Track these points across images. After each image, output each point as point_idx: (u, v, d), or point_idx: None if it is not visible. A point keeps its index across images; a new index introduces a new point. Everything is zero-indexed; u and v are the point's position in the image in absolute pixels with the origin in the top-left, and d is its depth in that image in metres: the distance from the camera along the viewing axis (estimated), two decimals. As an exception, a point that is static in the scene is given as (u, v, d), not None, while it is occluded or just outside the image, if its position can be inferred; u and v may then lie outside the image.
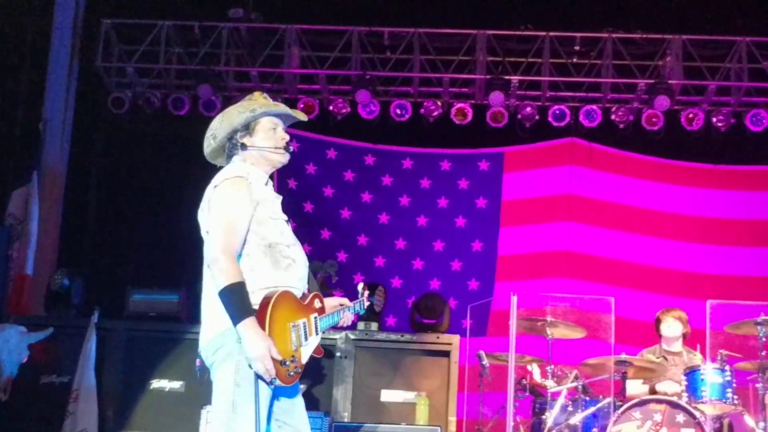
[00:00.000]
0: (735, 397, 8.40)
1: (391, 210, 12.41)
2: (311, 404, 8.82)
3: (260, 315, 4.49)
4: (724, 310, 8.63)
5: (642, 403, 8.24)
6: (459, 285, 12.14)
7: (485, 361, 8.93)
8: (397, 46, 11.90)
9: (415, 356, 9.26)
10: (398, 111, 11.86)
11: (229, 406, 4.51)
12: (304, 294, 4.81)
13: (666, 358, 9.16)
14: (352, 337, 9.16)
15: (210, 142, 4.86)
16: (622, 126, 11.95)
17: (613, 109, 11.97)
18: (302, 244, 4.96)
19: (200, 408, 8.06)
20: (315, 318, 4.77)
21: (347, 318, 5.15)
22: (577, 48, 11.94)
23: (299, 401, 4.85)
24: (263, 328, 4.44)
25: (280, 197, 4.92)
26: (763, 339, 8.27)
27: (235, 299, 4.46)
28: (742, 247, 12.23)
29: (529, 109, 11.93)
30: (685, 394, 8.39)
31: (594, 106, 11.88)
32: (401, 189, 12.44)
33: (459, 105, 11.88)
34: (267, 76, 12.02)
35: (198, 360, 4.87)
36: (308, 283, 4.91)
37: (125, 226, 12.38)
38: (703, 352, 8.77)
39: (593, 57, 11.91)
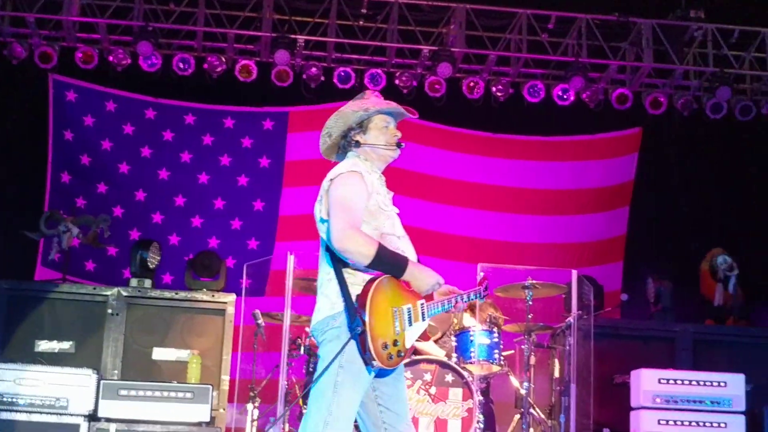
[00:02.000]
0: (502, 358, 8.67)
1: (172, 166, 12.16)
2: (80, 361, 8.60)
3: (362, 298, 4.64)
4: (494, 273, 8.85)
5: (412, 363, 8.38)
6: (238, 244, 12.05)
7: (260, 321, 8.89)
8: (182, -2, 11.65)
9: (189, 314, 9.16)
10: (181, 65, 11.58)
11: (330, 387, 4.66)
12: None
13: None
14: (124, 293, 8.96)
15: (325, 140, 5.06)
16: (405, 91, 12.07)
17: (397, 73, 12.08)
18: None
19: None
20: (422, 304, 4.85)
21: (459, 306, 5.08)
22: (364, 11, 11.96)
23: (402, 387, 4.99)
24: (364, 312, 4.60)
25: (392, 193, 5.03)
26: (530, 302, 8.56)
27: (389, 257, 4.70)
28: (514, 213, 12.62)
29: (314, 69, 11.88)
30: (454, 355, 8.60)
31: (379, 70, 11.95)
32: (182, 145, 12.21)
33: (244, 62, 11.71)
34: (45, 22, 11.50)
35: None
36: None
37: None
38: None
39: (379, 21, 11.96)
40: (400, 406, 4.95)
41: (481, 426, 8.32)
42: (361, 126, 4.98)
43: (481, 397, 8.39)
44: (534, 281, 8.54)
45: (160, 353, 8.98)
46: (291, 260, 8.49)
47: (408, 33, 12.02)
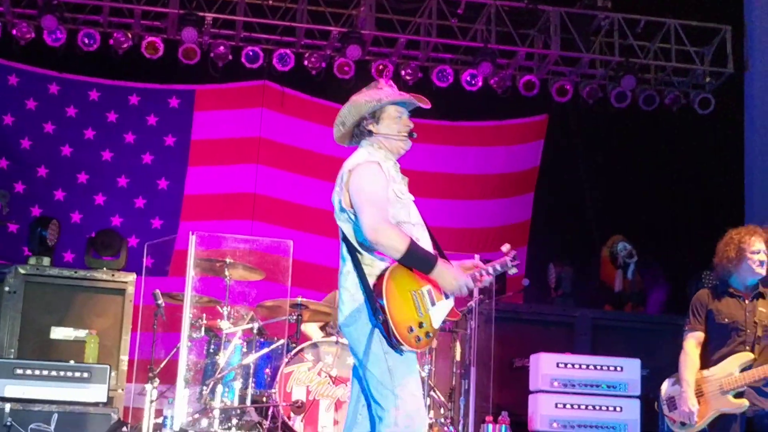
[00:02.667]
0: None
1: (75, 142, 11.94)
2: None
3: (377, 287, 4.72)
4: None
5: (314, 345, 8.38)
6: (142, 223, 11.90)
7: (160, 301, 8.78)
8: (87, -28, 11.42)
9: (88, 293, 9.05)
10: (86, 40, 11.36)
11: (386, 374, 4.74)
12: None
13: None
14: (22, 271, 8.82)
15: (339, 129, 5.10)
16: (314, 72, 12.04)
17: (306, 54, 12.02)
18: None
19: None
20: None
21: (485, 280, 5.09)
22: (273, -10, 11.89)
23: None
24: (381, 299, 4.67)
25: (407, 179, 5.09)
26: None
27: (419, 253, 4.78)
28: (418, 197, 12.60)
29: (222, 48, 11.76)
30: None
31: (287, 50, 11.88)
32: (86, 121, 11.99)
33: (150, 39, 11.53)
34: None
35: None
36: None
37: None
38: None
39: (289, 1, 11.88)
40: (421, 391, 5.01)
41: (381, 408, 8.34)
42: (374, 116, 5.03)
43: (382, 380, 8.40)
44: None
45: (58, 332, 8.85)
46: (192, 240, 8.41)
47: (318, 14, 11.97)
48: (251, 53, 11.81)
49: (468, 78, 12.28)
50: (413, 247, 4.74)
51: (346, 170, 4.96)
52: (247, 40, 11.97)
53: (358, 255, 4.86)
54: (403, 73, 12.21)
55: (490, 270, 5.08)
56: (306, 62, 12.00)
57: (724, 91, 12.80)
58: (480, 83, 12.30)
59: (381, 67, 12.10)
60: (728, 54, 12.61)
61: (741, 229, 6.47)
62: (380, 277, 4.74)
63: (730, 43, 12.62)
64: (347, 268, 4.90)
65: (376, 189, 4.84)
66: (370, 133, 5.02)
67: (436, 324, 4.84)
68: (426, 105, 5.13)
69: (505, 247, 5.11)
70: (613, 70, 12.52)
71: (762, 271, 6.45)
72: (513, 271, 5.11)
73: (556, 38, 12.36)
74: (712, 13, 12.63)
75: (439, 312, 4.85)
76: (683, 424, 6.40)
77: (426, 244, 4.97)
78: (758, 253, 6.35)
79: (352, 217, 4.88)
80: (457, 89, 12.33)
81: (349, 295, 4.86)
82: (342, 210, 4.95)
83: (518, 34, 12.28)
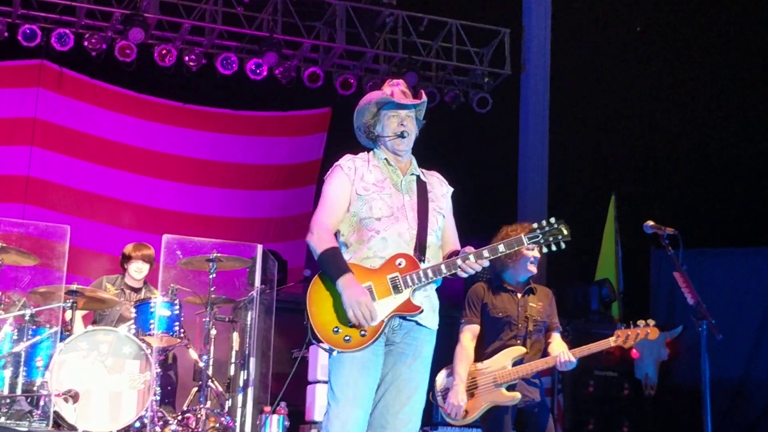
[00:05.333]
0: (182, 330, 8.59)
1: None
2: None
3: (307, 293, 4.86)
4: (179, 245, 8.76)
5: (89, 333, 8.17)
6: None
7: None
8: None
9: None
10: None
11: (329, 374, 4.92)
12: (390, 259, 4.87)
13: (124, 292, 9.13)
14: None
15: (360, 135, 5.21)
16: (94, 54, 11.73)
17: (87, 35, 11.69)
18: None
19: None
20: (394, 277, 4.81)
21: (470, 266, 4.84)
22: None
23: (414, 363, 4.93)
24: (305, 304, 4.80)
25: (386, 177, 5.06)
26: (213, 275, 8.52)
27: (328, 264, 4.82)
28: (200, 186, 12.55)
29: (-3, 25, 11.32)
30: (134, 326, 8.44)
31: (67, 30, 11.53)
32: None
33: None
34: None
35: None
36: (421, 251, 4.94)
37: None
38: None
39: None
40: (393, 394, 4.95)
41: (158, 398, 8.22)
42: (373, 118, 5.13)
43: (159, 370, 8.28)
44: (219, 254, 8.50)
45: None
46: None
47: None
48: (28, 31, 11.44)
49: (253, 67, 12.27)
50: (324, 256, 4.82)
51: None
52: (24, 18, 11.54)
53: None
54: (186, 59, 12.07)
55: (473, 257, 4.84)
56: (86, 43, 11.68)
57: (501, 91, 13.23)
58: (265, 72, 12.30)
59: (164, 51, 11.93)
60: (506, 56, 13.05)
61: (517, 227, 6.60)
62: (313, 282, 4.86)
63: (509, 45, 13.06)
64: None
65: (328, 191, 5.03)
66: (372, 135, 5.15)
67: (375, 320, 4.75)
68: (417, 102, 5.12)
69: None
70: (396, 66, 12.74)
71: (534, 270, 6.69)
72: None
73: (341, 32, 12.48)
74: (492, 16, 13.05)
75: (384, 308, 4.78)
76: None
77: (393, 235, 4.93)
78: (533, 249, 6.57)
79: None
80: (242, 78, 12.28)
81: None
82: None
83: (304, 25, 12.33)
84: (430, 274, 4.81)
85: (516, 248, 4.91)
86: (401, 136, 5.07)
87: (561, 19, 13.29)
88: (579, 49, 13.42)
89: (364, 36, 12.48)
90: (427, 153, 12.65)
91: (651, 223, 6.34)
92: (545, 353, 6.63)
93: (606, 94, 13.51)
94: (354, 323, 4.71)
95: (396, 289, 4.80)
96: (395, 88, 5.14)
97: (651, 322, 6.65)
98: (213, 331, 8.60)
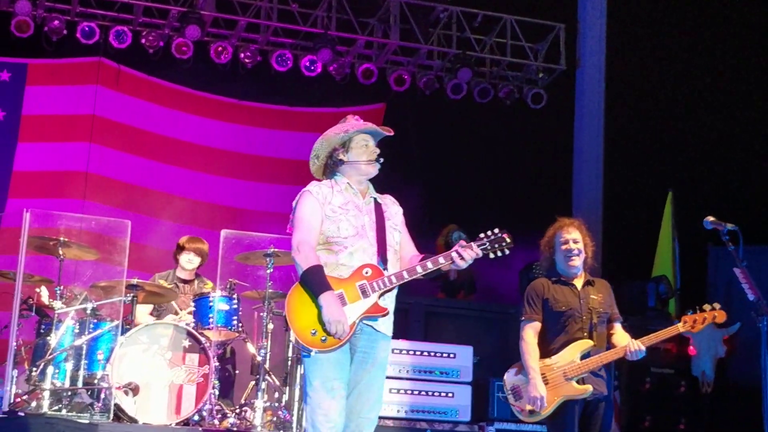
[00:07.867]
0: (240, 324, 8.67)
1: None
2: None
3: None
4: (236, 240, 8.84)
5: (150, 327, 8.26)
6: (-32, 199, 11.49)
7: (-12, 279, 8.49)
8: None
9: None
10: None
11: (306, 374, 5.46)
12: (358, 268, 5.42)
13: (178, 285, 9.24)
14: None
15: (314, 161, 5.73)
16: (151, 51, 11.83)
17: (144, 33, 11.81)
18: None
19: None
20: (362, 284, 5.38)
21: (453, 262, 5.44)
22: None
23: (373, 369, 5.50)
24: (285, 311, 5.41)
25: (357, 200, 5.60)
26: (270, 270, 8.58)
27: (310, 282, 5.33)
28: (257, 182, 12.61)
29: (57, 22, 11.44)
30: (192, 320, 8.53)
31: (125, 28, 11.65)
32: None
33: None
34: None
35: None
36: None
37: None
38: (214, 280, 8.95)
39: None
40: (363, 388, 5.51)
41: (216, 392, 8.31)
42: (344, 146, 5.60)
43: (217, 363, 8.36)
44: (276, 249, 8.56)
45: None
46: (27, 218, 8.16)
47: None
48: (87, 29, 11.55)
49: (307, 63, 12.31)
50: (308, 273, 5.32)
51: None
52: (82, 15, 11.68)
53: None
54: (242, 55, 12.14)
55: (464, 255, 5.45)
56: (143, 40, 11.79)
57: (555, 87, 13.18)
58: (319, 69, 12.34)
59: (220, 48, 12.00)
60: (561, 51, 13.00)
61: (557, 222, 6.69)
62: (291, 291, 5.40)
63: (563, 40, 13.01)
64: None
65: (302, 215, 5.49)
66: (341, 161, 5.59)
67: (348, 322, 5.29)
68: (389, 133, 5.65)
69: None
70: (450, 62, 12.73)
71: (575, 263, 6.64)
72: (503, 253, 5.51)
73: (395, 28, 12.49)
74: (547, 11, 13.00)
75: (352, 311, 5.32)
76: (532, 411, 6.51)
77: (359, 250, 5.47)
78: (566, 243, 6.59)
79: None
80: (296, 74, 12.33)
81: None
82: None
83: (358, 22, 12.36)
84: (394, 280, 5.40)
85: (450, 262, 5.42)
86: (377, 161, 5.61)
87: (616, 13, 13.19)
88: (634, 44, 13.33)
89: (418, 32, 12.48)
90: (482, 150, 12.68)
91: (711, 218, 6.29)
92: (609, 345, 6.60)
93: (662, 88, 13.41)
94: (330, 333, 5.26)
95: (364, 293, 5.39)
96: (355, 121, 5.69)
97: (717, 305, 6.63)
98: (270, 326, 8.66)
